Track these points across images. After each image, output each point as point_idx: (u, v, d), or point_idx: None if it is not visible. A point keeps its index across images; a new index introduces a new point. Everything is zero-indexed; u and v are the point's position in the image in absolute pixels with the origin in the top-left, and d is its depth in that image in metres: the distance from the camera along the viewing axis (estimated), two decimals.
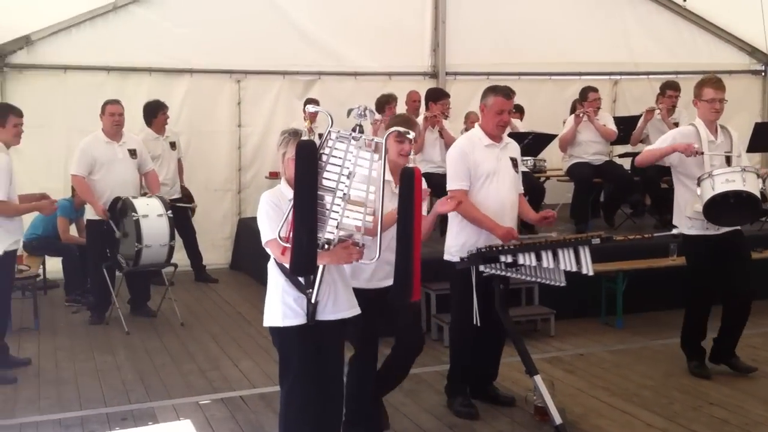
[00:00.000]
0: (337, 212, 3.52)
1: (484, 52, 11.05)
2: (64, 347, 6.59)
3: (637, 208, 9.59)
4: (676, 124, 8.75)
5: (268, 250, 3.79)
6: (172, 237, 7.04)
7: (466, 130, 9.51)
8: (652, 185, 8.93)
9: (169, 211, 7.12)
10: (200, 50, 9.77)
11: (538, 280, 4.73)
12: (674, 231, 6.00)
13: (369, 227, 3.55)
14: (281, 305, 3.79)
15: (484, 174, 4.90)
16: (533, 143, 8.51)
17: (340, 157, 3.52)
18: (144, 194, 7.42)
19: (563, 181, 9.30)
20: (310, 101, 9.95)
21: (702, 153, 5.33)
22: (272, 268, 3.87)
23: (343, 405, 4.14)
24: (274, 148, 9.72)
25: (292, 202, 3.54)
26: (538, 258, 4.60)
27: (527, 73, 11.27)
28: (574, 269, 4.61)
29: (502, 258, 4.63)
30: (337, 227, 3.53)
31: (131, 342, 6.72)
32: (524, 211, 5.13)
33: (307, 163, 3.40)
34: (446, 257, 5.02)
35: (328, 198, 3.51)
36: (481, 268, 4.69)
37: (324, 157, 3.52)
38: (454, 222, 4.98)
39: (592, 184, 8.76)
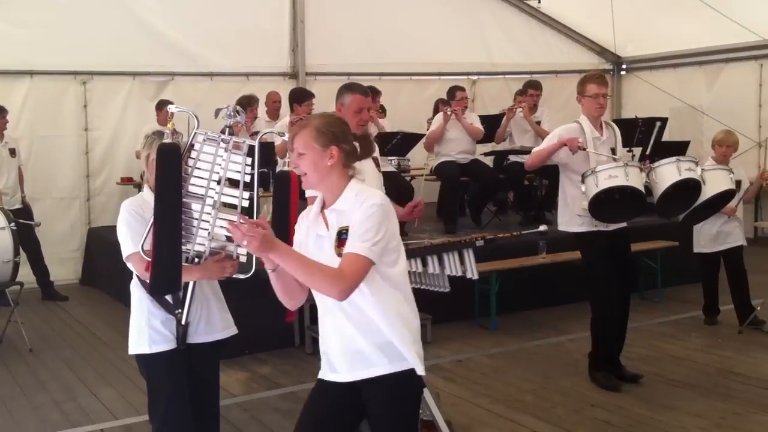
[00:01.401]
0: (208, 221, 3.21)
1: (345, 52, 10.86)
2: None
3: (501, 205, 9.70)
4: (538, 123, 8.93)
5: (129, 266, 3.41)
6: (16, 252, 6.48)
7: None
8: (516, 182, 9.05)
9: (12, 224, 6.49)
10: (42, 50, 9.02)
11: (423, 287, 4.54)
12: (541, 228, 5.97)
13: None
14: (147, 329, 3.42)
15: None
16: (401, 143, 8.39)
17: (209, 162, 3.21)
18: None
19: (430, 180, 9.24)
20: (164, 102, 9.46)
21: (585, 148, 5.30)
22: (135, 287, 3.50)
23: None
24: (125, 152, 9.52)
25: None
26: (424, 264, 4.41)
27: (389, 74, 11.21)
28: (459, 274, 4.46)
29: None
30: (208, 238, 3.21)
31: None
32: None
33: (169, 168, 3.07)
34: None
35: (197, 206, 3.20)
36: None
37: (191, 162, 3.20)
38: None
39: (460, 182, 8.74)
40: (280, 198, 3.33)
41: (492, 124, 9.09)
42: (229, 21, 10.12)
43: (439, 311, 6.83)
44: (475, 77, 12.09)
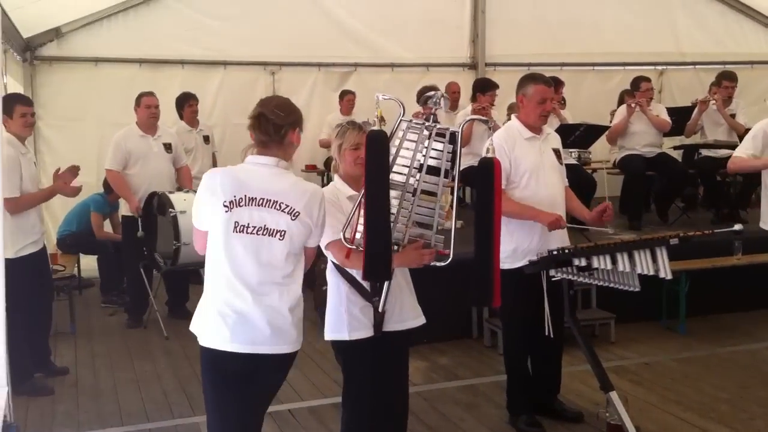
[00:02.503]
0: (407, 209, 3.23)
1: (525, 43, 10.68)
2: (102, 354, 6.32)
3: (690, 201, 9.22)
4: (733, 116, 8.40)
5: (327, 254, 3.46)
6: None
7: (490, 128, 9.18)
8: (708, 177, 8.56)
9: None
10: (234, 42, 9.55)
11: (611, 285, 4.35)
12: (736, 227, 5.58)
13: (442, 226, 3.26)
14: (347, 316, 3.47)
15: (528, 169, 4.54)
16: (584, 135, 8.11)
17: (410, 149, 3.24)
18: (179, 189, 7.13)
19: (613, 173, 8.91)
20: (346, 92, 9.70)
21: None
22: (332, 274, 3.55)
23: (407, 422, 3.80)
24: (309, 140, 9.81)
25: (355, 199, 3.27)
26: (614, 261, 4.22)
27: (570, 64, 10.90)
28: (651, 272, 4.23)
29: (576, 261, 4.25)
30: (406, 226, 3.23)
31: (171, 348, 6.43)
32: (575, 207, 4.74)
33: (378, 156, 3.06)
34: None
35: (396, 194, 3.21)
36: (551, 272, 4.32)
37: (393, 150, 3.21)
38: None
39: (645, 176, 8.36)
40: (484, 184, 3.26)
41: (681, 117, 8.62)
42: (411, 12, 10.24)
43: (624, 311, 6.61)
44: (662, 67, 11.52)
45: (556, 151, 4.71)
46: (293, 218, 3.05)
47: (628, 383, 5.45)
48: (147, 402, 5.24)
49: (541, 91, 4.51)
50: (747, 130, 5.90)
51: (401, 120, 3.23)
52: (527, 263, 4.40)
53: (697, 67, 11.48)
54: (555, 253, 4.30)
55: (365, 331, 3.44)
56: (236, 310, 3.02)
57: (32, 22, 8.36)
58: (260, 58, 9.73)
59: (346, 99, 9.69)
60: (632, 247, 4.28)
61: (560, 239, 4.57)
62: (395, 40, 10.35)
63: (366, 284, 3.41)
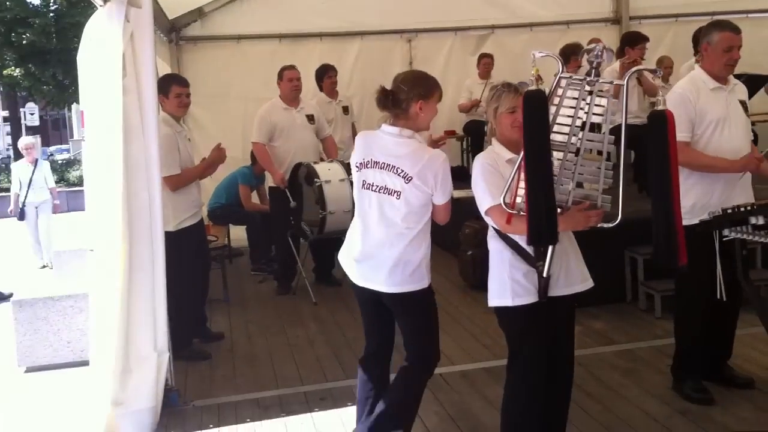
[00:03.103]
0: (570, 170, 3.10)
1: None
2: (255, 320, 6.50)
3: None
4: None
5: (488, 220, 3.37)
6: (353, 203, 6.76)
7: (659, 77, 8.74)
8: None
9: (351, 176, 6.84)
10: (370, 12, 9.57)
11: None
12: None
13: (609, 185, 3.11)
14: (510, 282, 3.36)
15: (713, 121, 4.26)
16: (745, 85, 7.57)
17: (572, 107, 3.10)
18: (322, 160, 7.21)
19: None
20: (484, 56, 9.52)
21: None
22: (494, 240, 3.45)
23: (571, 390, 3.64)
24: (446, 106, 9.68)
25: (514, 162, 3.17)
26: None
27: (722, 12, 10.12)
28: None
29: (752, 220, 3.95)
30: (571, 187, 3.10)
31: (320, 314, 6.54)
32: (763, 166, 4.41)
33: (537, 117, 2.96)
34: None
35: (558, 155, 3.09)
36: (725, 232, 4.03)
37: (553, 109, 3.08)
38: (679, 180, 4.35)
39: None
40: (657, 139, 3.09)
41: None
42: None
43: None
44: None
45: (743, 103, 4.43)
46: (407, 182, 3.46)
47: None
48: (301, 366, 5.34)
49: (728, 38, 4.25)
50: None
51: (560, 77, 3.09)
52: (698, 222, 4.15)
53: None
54: (730, 211, 4.02)
55: (529, 297, 3.33)
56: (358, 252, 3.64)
57: (176, 3, 8.65)
58: (396, 26, 9.69)
59: (483, 62, 9.50)
60: None
61: (744, 195, 4.29)
62: None
63: (530, 249, 3.30)
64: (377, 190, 3.52)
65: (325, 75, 8.50)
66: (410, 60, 9.78)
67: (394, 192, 3.48)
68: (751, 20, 10.49)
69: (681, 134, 4.22)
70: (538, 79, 3.01)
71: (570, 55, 8.07)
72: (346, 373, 5.10)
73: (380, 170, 3.51)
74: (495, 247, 3.44)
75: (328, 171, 6.77)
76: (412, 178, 3.43)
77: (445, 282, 7.02)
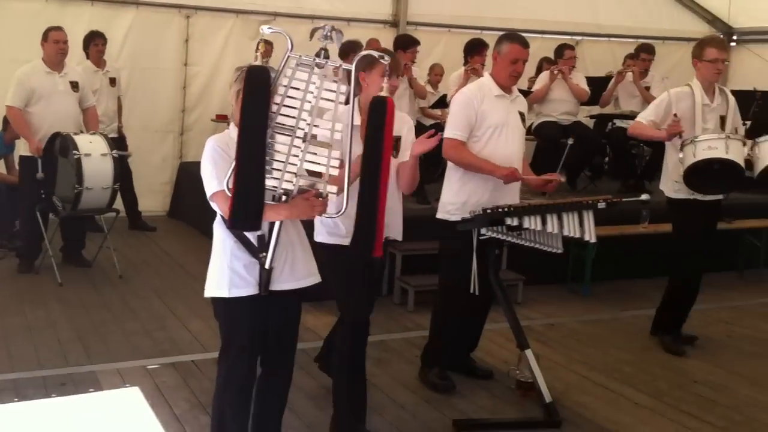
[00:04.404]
0: (297, 156, 2.95)
1: (447, 4, 10.59)
2: None
3: (597, 170, 9.38)
4: (647, 88, 8.55)
5: (213, 205, 3.15)
6: (116, 180, 6.43)
7: (429, 82, 9.13)
8: (619, 148, 8.73)
9: (114, 151, 6.48)
10: None
11: (536, 245, 4.35)
12: (643, 197, 5.71)
13: (335, 175, 3.02)
14: (229, 272, 3.17)
15: (492, 126, 4.49)
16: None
17: (300, 89, 2.93)
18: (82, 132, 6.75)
19: (529, 140, 8.94)
20: (265, 42, 9.38)
21: (682, 131, 5.07)
22: (218, 227, 3.24)
23: (289, 389, 3.50)
24: (221, 89, 9.46)
25: None
26: (543, 222, 4.22)
27: (489, 28, 10.74)
28: (577, 235, 4.26)
29: (508, 221, 4.21)
30: (296, 174, 2.96)
31: (65, 295, 6.11)
32: (524, 171, 4.70)
33: (257, 92, 2.83)
34: (440, 215, 4.59)
35: (284, 139, 2.94)
36: (482, 230, 4.27)
37: (281, 90, 2.92)
38: (454, 178, 4.55)
39: (560, 144, 8.44)
40: (374, 124, 3.05)
41: (597, 87, 8.73)
42: None
43: (531, 273, 6.66)
44: (578, 38, 11.60)
45: (522, 115, 4.67)
46: None
47: (534, 343, 5.37)
48: (39, 349, 4.96)
49: (516, 51, 4.46)
50: None
51: (289, 56, 2.94)
52: (460, 220, 4.36)
53: (611, 39, 11.64)
54: (489, 211, 4.26)
55: (248, 289, 3.17)
56: None
57: None
58: (174, 1, 9.28)
59: (265, 50, 9.35)
60: (562, 209, 4.30)
61: (512, 198, 4.55)
62: None
63: (253, 238, 3.15)
64: None
65: (92, 42, 8.00)
66: (187, 37, 9.40)
67: None
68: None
69: (457, 132, 4.45)
70: (265, 53, 2.94)
71: (349, 52, 8.18)
72: (90, 358, 4.81)
73: None
74: (218, 234, 3.25)
75: (89, 144, 6.38)
76: None
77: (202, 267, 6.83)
